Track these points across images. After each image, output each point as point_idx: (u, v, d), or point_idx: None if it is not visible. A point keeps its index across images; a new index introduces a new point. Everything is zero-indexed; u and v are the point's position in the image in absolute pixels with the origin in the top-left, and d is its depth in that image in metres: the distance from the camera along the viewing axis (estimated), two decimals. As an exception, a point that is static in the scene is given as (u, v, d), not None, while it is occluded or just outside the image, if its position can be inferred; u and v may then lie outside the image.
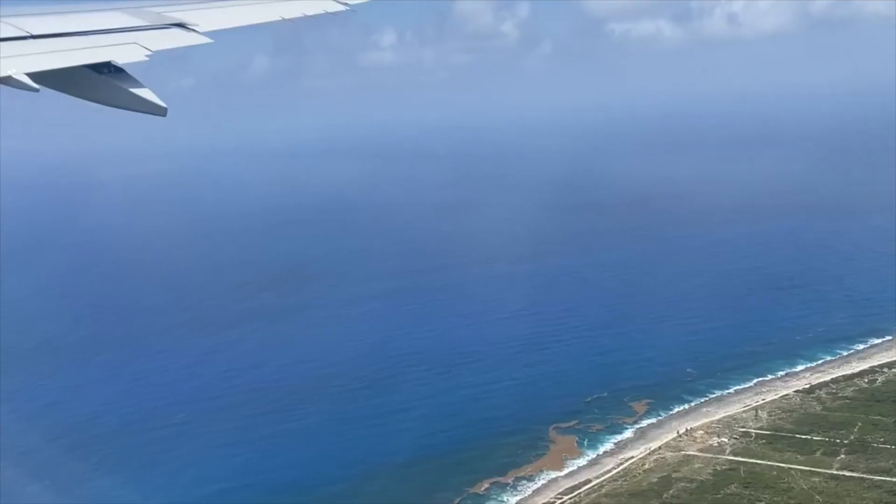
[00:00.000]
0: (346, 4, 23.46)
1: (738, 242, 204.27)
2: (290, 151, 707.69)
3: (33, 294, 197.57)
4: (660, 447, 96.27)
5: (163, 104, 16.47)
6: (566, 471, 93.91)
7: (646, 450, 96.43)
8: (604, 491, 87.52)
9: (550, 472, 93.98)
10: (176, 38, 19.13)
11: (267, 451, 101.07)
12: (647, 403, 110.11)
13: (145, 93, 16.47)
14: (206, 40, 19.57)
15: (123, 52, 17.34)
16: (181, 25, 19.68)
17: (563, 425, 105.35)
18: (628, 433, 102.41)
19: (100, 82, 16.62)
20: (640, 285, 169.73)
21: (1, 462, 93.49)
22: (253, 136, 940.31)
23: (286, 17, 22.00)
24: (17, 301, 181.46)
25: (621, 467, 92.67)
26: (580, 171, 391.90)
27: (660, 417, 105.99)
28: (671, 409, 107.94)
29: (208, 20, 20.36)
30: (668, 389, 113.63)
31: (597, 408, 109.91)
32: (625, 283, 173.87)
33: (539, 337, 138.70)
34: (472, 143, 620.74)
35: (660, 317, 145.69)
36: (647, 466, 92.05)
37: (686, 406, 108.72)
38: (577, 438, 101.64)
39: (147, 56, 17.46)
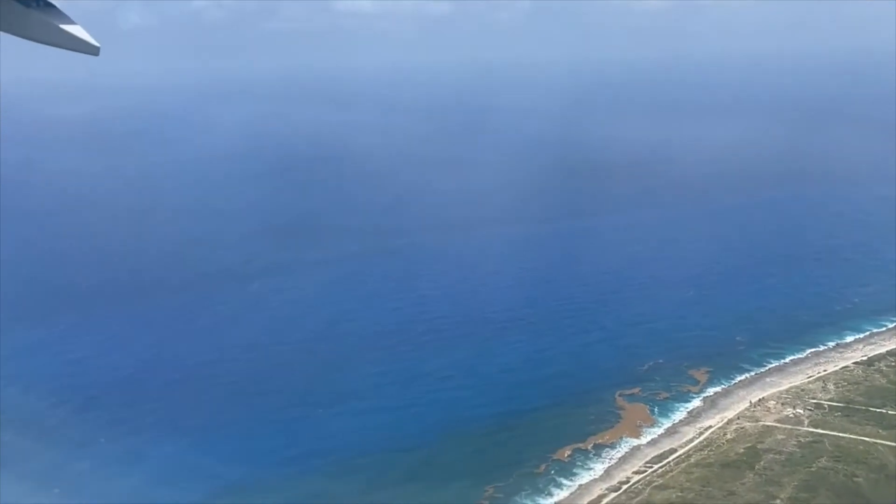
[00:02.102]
0: None
1: (751, 209, 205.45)
2: (252, 93, 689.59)
3: (24, 243, 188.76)
4: (737, 417, 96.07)
5: (95, 43, 15.45)
6: (645, 439, 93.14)
7: (722, 419, 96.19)
8: (692, 461, 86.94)
9: (630, 439, 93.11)
10: None
11: (336, 421, 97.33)
12: (707, 372, 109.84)
13: (76, 30, 15.46)
14: None
15: None
16: None
17: (627, 392, 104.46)
18: (697, 402, 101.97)
19: (27, 16, 15.39)
20: (664, 250, 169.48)
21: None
22: (214, 77, 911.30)
23: None
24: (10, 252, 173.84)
25: (703, 437, 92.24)
26: (561, 129, 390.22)
27: (724, 386, 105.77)
28: (733, 378, 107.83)
29: None
30: (724, 358, 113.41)
31: (657, 375, 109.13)
32: (648, 247, 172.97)
33: (579, 301, 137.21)
34: (446, 96, 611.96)
35: (694, 283, 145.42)
36: (728, 437, 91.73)
37: (747, 375, 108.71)
38: (647, 406, 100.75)
39: None
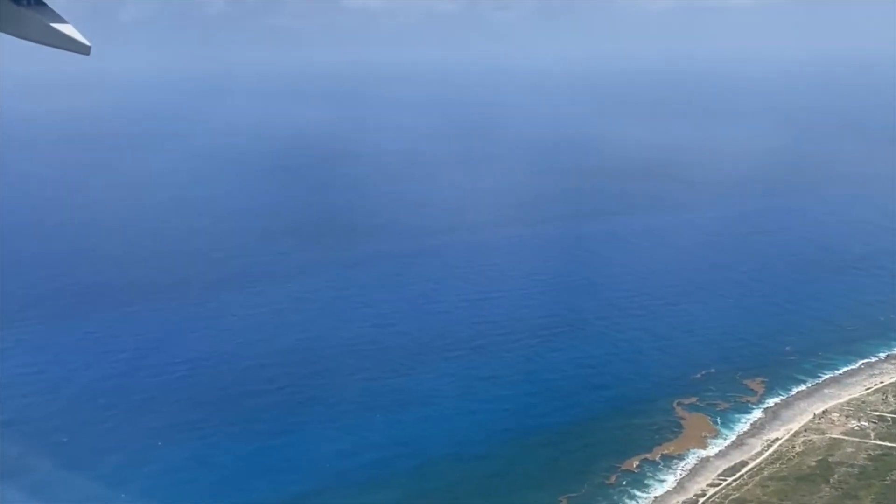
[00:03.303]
0: None
1: (775, 213, 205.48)
2: (255, 89, 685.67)
3: (37, 239, 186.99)
4: (803, 430, 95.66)
5: (86, 42, 15.53)
6: (713, 450, 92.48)
7: (787, 431, 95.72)
8: (766, 474, 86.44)
9: (697, 450, 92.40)
10: None
11: (399, 427, 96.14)
12: (762, 382, 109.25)
13: (67, 29, 15.42)
14: None
15: None
16: None
17: (685, 401, 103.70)
18: (758, 413, 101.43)
19: (19, 14, 15.27)
20: (693, 254, 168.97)
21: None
22: (216, 73, 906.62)
23: None
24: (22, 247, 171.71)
25: (772, 449, 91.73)
26: (570, 129, 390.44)
27: (782, 397, 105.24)
28: (790, 390, 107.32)
29: None
30: (777, 369, 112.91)
31: (711, 384, 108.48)
32: (676, 250, 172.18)
33: (620, 305, 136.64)
34: (454, 94, 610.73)
35: (732, 290, 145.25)
36: (798, 449, 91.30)
37: (804, 387, 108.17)
38: (708, 417, 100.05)
39: None
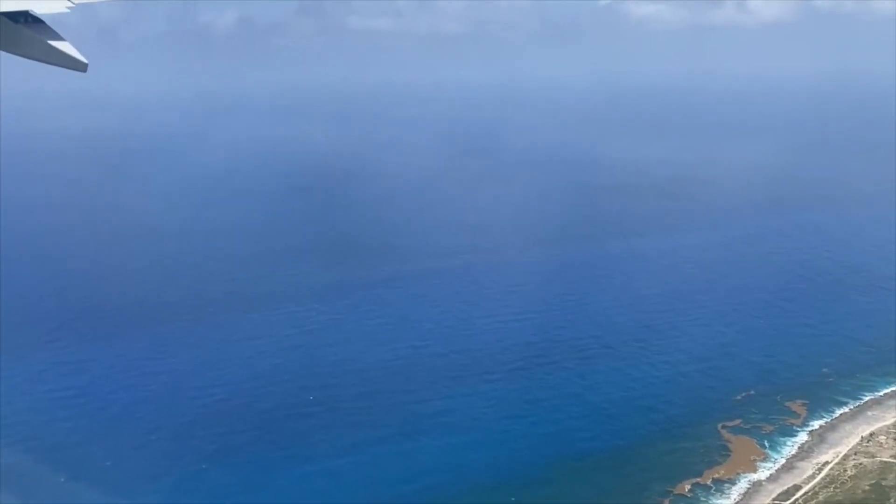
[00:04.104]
0: None
1: (794, 232, 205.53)
2: (263, 109, 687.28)
3: (61, 260, 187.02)
4: (852, 453, 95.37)
5: (83, 59, 15.73)
6: (763, 474, 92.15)
7: (836, 454, 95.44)
8: (821, 498, 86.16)
9: (747, 474, 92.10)
10: None
11: (448, 452, 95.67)
12: (804, 404, 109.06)
13: (65, 46, 15.70)
14: None
15: (43, 2, 16.34)
16: None
17: (730, 424, 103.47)
18: (804, 436, 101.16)
19: (16, 32, 15.55)
20: (717, 273, 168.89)
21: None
22: (222, 92, 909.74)
23: None
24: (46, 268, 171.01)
25: (823, 473, 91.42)
26: (579, 148, 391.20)
27: (826, 420, 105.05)
28: (833, 412, 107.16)
29: None
30: (817, 390, 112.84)
31: (753, 407, 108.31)
32: (700, 270, 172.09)
33: (652, 325, 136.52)
34: (461, 113, 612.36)
35: (761, 310, 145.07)
36: (849, 473, 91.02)
37: (846, 409, 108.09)
38: (754, 440, 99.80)
39: (68, 7, 16.52)
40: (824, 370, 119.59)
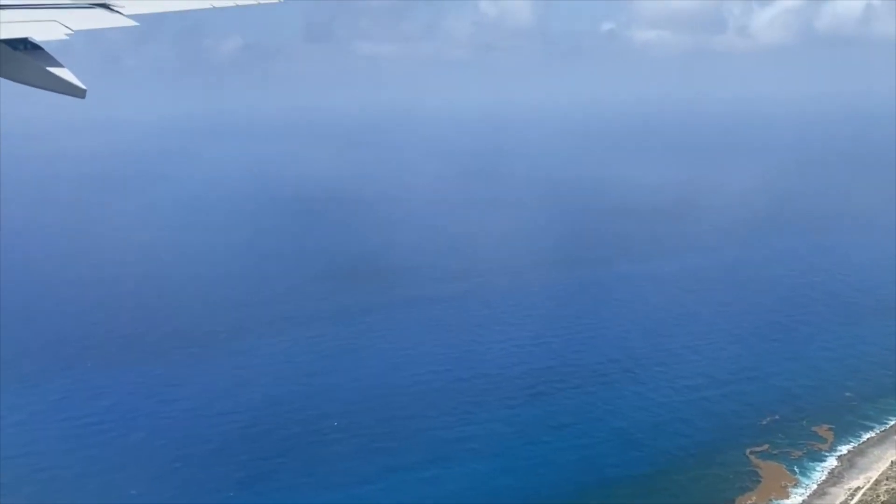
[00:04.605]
0: None
1: (802, 254, 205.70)
2: (266, 132, 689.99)
3: (73, 286, 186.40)
4: (884, 478, 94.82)
5: (82, 85, 15.78)
6: (796, 500, 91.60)
7: (867, 480, 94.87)
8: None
9: (780, 500, 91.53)
10: (99, 19, 18.47)
11: (475, 479, 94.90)
12: (830, 429, 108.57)
13: (63, 72, 15.77)
14: (131, 23, 18.91)
15: (42, 29, 16.52)
16: (105, 6, 19.09)
17: (758, 449, 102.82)
18: (833, 461, 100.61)
19: (14, 58, 15.78)
20: (727, 296, 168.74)
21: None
22: (226, 116, 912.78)
23: (217, 5, 21.66)
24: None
25: (856, 499, 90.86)
26: (585, 172, 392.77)
27: (854, 445, 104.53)
28: (860, 436, 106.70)
29: (134, 2, 19.73)
30: (842, 414, 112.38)
31: (780, 432, 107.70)
32: (710, 292, 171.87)
33: (673, 351, 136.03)
34: (465, 137, 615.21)
35: (777, 333, 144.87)
36: (882, 499, 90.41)
37: (872, 433, 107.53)
38: (783, 465, 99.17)
39: (67, 35, 16.69)
40: (847, 394, 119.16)
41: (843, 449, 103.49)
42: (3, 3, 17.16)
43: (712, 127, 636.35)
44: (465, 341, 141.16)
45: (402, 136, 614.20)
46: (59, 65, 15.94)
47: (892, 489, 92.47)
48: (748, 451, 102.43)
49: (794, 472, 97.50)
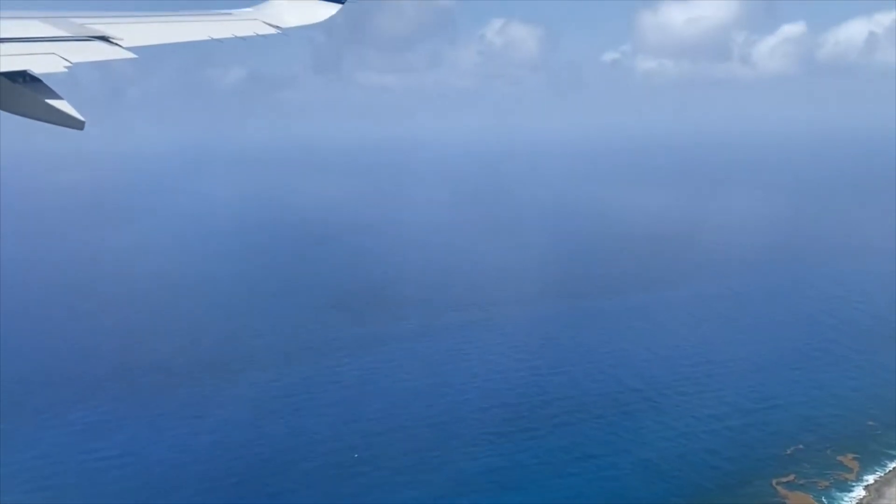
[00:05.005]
0: (277, 28, 24.21)
1: (812, 283, 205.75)
2: (266, 161, 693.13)
3: (83, 317, 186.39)
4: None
5: (80, 117, 16.00)
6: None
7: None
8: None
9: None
10: (98, 52, 18.69)
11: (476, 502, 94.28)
12: (855, 458, 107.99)
13: (62, 104, 16.05)
14: (130, 55, 19.08)
15: (41, 62, 16.74)
16: (105, 39, 19.25)
17: (784, 479, 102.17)
18: (860, 490, 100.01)
19: (14, 91, 16.02)
20: (739, 326, 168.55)
21: None
22: (225, 145, 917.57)
23: (215, 36, 22.14)
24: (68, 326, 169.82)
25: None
26: (590, 200, 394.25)
27: (879, 474, 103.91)
28: (885, 465, 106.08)
29: (133, 35, 19.94)
30: (866, 443, 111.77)
31: (805, 461, 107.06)
32: (723, 322, 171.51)
33: (693, 379, 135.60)
34: (466, 166, 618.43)
35: (796, 363, 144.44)
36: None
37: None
38: (811, 495, 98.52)
39: (66, 67, 16.85)
40: (869, 422, 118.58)
41: (870, 478, 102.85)
42: (2, 36, 17.31)
43: (715, 155, 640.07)
44: (483, 370, 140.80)
45: (405, 165, 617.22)
46: (57, 97, 16.20)
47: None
48: (774, 481, 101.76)
49: (823, 503, 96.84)
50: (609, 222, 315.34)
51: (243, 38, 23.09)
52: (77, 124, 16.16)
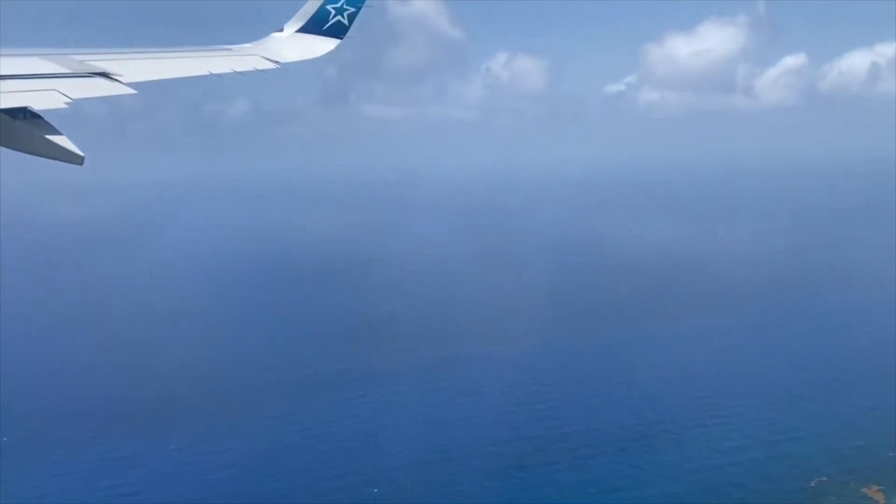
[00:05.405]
0: (276, 63, 24.51)
1: (822, 312, 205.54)
2: (271, 194, 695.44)
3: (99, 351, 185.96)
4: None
5: (79, 152, 16.16)
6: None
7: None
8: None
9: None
10: (98, 88, 18.94)
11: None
12: (879, 490, 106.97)
13: (61, 140, 16.17)
14: (130, 91, 19.34)
15: (42, 99, 16.99)
16: (105, 75, 19.50)
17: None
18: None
19: (14, 127, 16.15)
20: (754, 357, 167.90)
21: None
22: (232, 178, 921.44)
23: (214, 71, 22.35)
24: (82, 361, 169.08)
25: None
26: (592, 231, 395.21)
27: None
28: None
29: (133, 71, 20.20)
30: (887, 474, 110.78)
31: (830, 494, 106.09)
32: (737, 353, 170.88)
33: (712, 411, 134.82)
34: (470, 197, 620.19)
35: (816, 393, 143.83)
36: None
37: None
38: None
39: (66, 104, 17.07)
40: (890, 453, 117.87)
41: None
42: (3, 73, 17.46)
43: (718, 185, 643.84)
44: (500, 402, 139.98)
45: (410, 198, 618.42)
46: (57, 133, 16.30)
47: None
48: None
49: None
50: (615, 253, 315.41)
51: (243, 73, 23.39)
52: (76, 159, 16.29)
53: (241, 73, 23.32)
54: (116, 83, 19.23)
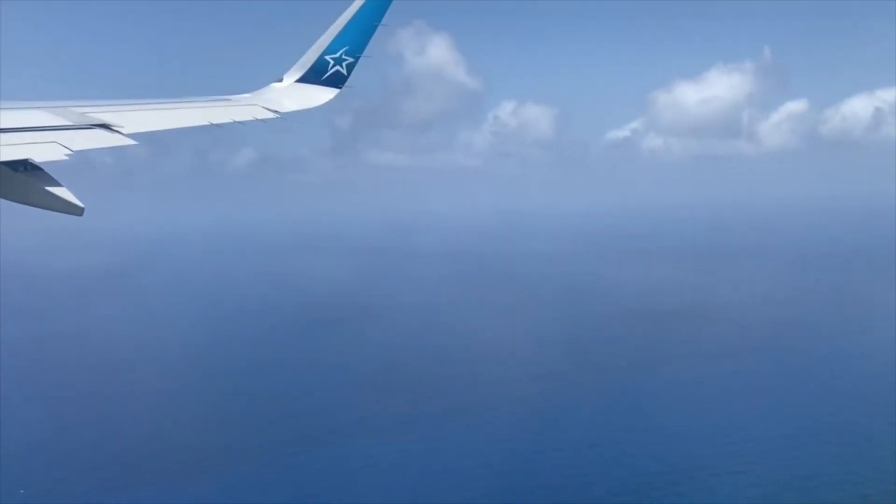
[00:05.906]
0: (276, 112, 24.72)
1: (839, 358, 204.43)
2: (274, 243, 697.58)
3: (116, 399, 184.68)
4: None
5: (79, 203, 16.22)
6: None
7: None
8: None
9: None
10: (99, 139, 19.06)
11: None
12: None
13: (61, 191, 16.27)
14: (130, 142, 19.56)
15: (42, 151, 17.06)
16: (105, 126, 19.68)
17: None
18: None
19: (13, 179, 16.26)
20: (786, 399, 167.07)
21: None
22: (236, 227, 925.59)
23: (214, 121, 22.61)
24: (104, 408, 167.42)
25: None
26: (600, 275, 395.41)
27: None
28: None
29: (134, 122, 20.43)
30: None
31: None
32: (768, 395, 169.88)
33: (740, 457, 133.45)
34: (474, 244, 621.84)
35: (840, 436, 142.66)
36: None
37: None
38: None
39: (67, 155, 17.17)
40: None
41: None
42: (4, 126, 17.62)
43: (722, 230, 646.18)
44: (521, 448, 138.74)
45: (415, 245, 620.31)
46: (57, 184, 16.41)
47: None
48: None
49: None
50: (622, 299, 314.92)
51: (245, 123, 23.67)
52: (76, 210, 16.27)
53: (242, 123, 23.58)
54: (117, 134, 19.45)
